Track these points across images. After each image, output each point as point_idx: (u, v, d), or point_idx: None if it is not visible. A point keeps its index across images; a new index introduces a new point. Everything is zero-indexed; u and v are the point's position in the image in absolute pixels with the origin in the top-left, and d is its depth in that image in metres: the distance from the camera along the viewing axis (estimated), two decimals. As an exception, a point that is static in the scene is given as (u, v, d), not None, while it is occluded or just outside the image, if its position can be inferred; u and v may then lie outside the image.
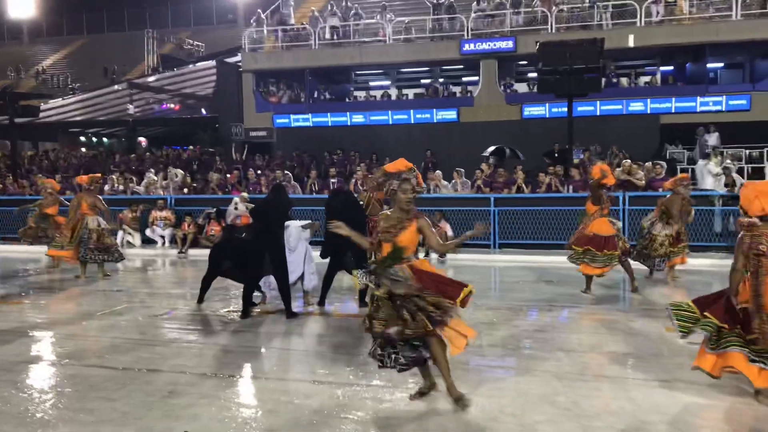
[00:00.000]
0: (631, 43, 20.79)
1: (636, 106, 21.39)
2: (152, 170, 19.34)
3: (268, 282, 8.54)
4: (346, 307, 8.82)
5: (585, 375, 5.70)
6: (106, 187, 17.59)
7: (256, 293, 8.60)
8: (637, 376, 5.70)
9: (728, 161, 15.86)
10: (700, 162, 17.00)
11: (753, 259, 4.93)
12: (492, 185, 15.10)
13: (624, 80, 22.79)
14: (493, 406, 4.98)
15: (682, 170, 18.91)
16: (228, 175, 17.96)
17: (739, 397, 5.07)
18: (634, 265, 9.69)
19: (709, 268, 11.43)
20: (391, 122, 23.53)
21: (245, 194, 14.56)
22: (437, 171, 16.26)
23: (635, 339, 6.98)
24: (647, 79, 23.22)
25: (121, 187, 17.73)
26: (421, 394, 5.11)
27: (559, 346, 6.61)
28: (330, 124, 24.05)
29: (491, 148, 18.96)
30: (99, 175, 12.65)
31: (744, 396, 5.05)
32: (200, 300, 8.94)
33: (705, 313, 5.04)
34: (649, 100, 21.26)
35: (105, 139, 37.27)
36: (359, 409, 4.95)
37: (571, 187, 14.63)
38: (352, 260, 8.43)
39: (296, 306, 8.37)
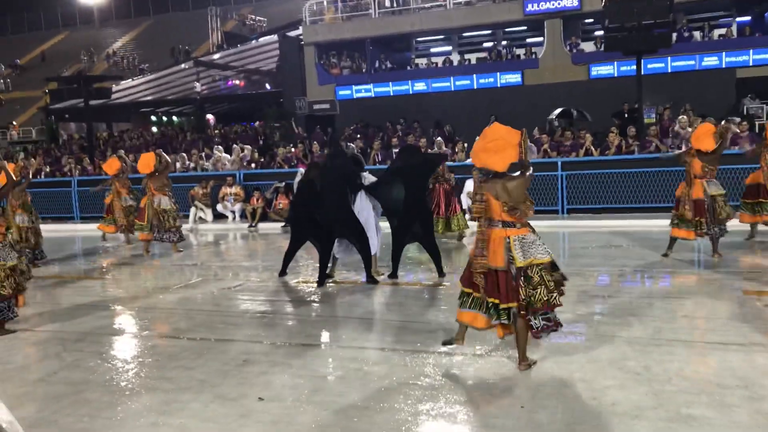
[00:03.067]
0: (703, -6, 19.85)
1: (710, 61, 20.46)
2: (218, 147, 19.68)
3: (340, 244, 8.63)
4: (414, 277, 8.87)
5: (657, 339, 5.59)
6: (178, 165, 18.11)
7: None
8: (712, 339, 5.56)
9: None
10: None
11: None
12: (559, 149, 14.81)
13: (697, 34, 21.81)
14: (563, 371, 4.96)
15: (761, 126, 18.06)
16: (293, 149, 18.19)
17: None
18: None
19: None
20: (453, 89, 23.28)
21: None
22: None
23: (710, 303, 6.79)
24: (722, 31, 22.14)
25: (192, 165, 18.22)
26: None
27: (630, 311, 6.49)
28: (392, 94, 23.98)
29: (557, 111, 18.55)
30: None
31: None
32: (283, 273, 9.05)
33: None
34: (723, 54, 20.29)
35: (174, 118, 38.27)
36: (427, 376, 5.02)
37: (638, 147, 14.18)
38: (418, 233, 8.49)
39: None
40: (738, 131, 13.26)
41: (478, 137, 5.13)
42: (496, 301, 4.85)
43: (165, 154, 12.13)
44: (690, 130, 13.88)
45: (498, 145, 4.87)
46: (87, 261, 11.91)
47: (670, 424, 4.02)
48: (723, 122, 12.91)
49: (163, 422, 4.41)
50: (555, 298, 4.88)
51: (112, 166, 12.84)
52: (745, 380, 4.61)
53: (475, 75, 23.23)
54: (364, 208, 8.46)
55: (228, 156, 18.38)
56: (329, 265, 8.71)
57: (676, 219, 8.92)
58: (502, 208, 4.87)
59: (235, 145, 19.38)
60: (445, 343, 5.43)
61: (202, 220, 15.65)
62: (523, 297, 4.78)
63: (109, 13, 52.17)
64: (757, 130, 16.79)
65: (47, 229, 12.37)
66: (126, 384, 5.19)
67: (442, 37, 26.06)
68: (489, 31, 25.34)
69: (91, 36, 48.99)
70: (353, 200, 8.41)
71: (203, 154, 19.23)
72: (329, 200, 8.23)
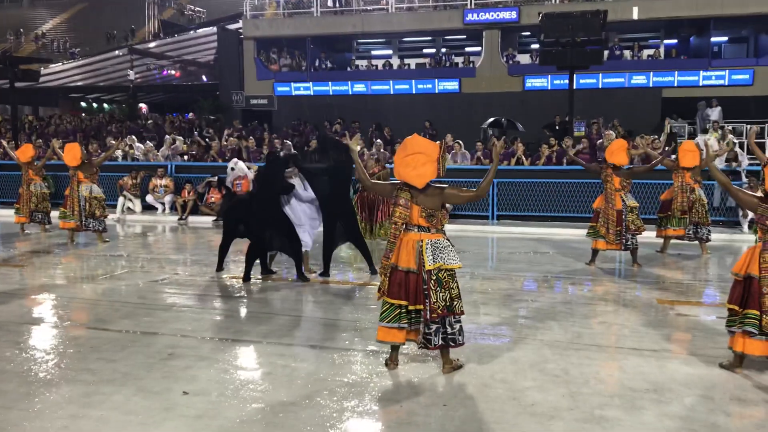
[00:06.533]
0: (635, 16, 20.63)
1: (638, 80, 21.31)
2: (132, 137, 19.15)
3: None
4: (345, 276, 8.93)
5: (576, 344, 5.81)
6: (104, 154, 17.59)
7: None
8: (627, 345, 5.82)
9: (730, 136, 15.81)
10: (701, 136, 17.00)
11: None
12: (492, 157, 15.09)
13: (627, 53, 22.67)
14: (485, 372, 5.10)
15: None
16: (225, 142, 17.94)
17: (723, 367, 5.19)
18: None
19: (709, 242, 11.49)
20: (392, 92, 23.45)
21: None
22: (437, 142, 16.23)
23: (627, 310, 7.10)
24: (650, 52, 23.08)
25: (120, 153, 17.73)
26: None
27: (552, 316, 6.73)
28: (331, 93, 23.97)
29: (489, 120, 18.97)
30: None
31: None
32: (219, 268, 8.89)
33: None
34: (651, 74, 21.18)
35: (105, 105, 37.17)
36: (353, 373, 5.08)
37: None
38: (343, 232, 8.56)
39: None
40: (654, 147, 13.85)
41: (398, 144, 5.20)
42: (404, 303, 4.93)
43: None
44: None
45: (417, 161, 4.87)
46: (5, 248, 11.45)
47: (584, 425, 4.21)
48: (639, 137, 13.54)
49: (82, 414, 4.32)
50: (457, 305, 4.97)
51: (25, 152, 12.44)
52: (655, 384, 4.85)
53: (414, 80, 23.48)
54: (298, 203, 8.45)
55: (141, 146, 18.06)
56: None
57: (593, 231, 9.30)
58: (420, 213, 4.95)
59: (167, 136, 18.98)
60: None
61: (131, 211, 15.28)
62: (434, 300, 4.87)
63: (40, -8, 50.26)
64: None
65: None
66: (45, 375, 5.06)
67: (383, 40, 26.21)
68: (429, 38, 25.64)
69: (18, 15, 47.02)
70: (287, 200, 8.35)
71: (133, 144, 18.73)
72: (262, 207, 8.19)
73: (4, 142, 15.24)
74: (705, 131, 17.35)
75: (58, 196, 13.43)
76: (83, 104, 36.68)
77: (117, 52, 34.84)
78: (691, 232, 10.09)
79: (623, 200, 9.01)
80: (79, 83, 34.13)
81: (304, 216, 8.42)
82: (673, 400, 4.58)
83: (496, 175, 5.20)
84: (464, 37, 24.68)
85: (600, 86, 21.33)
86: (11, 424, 4.19)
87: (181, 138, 18.91)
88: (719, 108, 19.31)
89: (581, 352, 5.59)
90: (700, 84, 20.81)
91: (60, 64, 35.47)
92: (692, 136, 19.40)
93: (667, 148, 12.49)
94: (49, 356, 5.53)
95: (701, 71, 20.80)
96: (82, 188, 11.16)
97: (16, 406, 4.46)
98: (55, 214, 12.25)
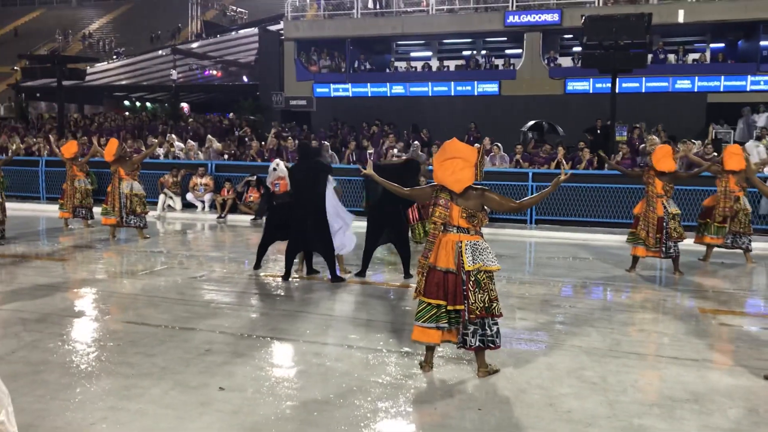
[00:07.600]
0: (680, 19, 20.23)
1: (683, 84, 20.90)
2: (171, 136, 19.51)
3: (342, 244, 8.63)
4: (381, 277, 8.93)
5: (615, 351, 5.71)
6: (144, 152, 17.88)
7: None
8: (668, 354, 5.70)
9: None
10: (751, 142, 16.54)
11: None
12: (532, 160, 14.97)
13: (671, 57, 22.24)
14: (521, 378, 5.04)
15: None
16: (263, 143, 18.10)
17: (770, 379, 5.04)
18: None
19: (754, 252, 11.20)
20: (431, 94, 23.40)
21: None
22: (477, 144, 16.15)
23: (667, 318, 6.96)
24: (696, 56, 22.61)
25: (162, 151, 18.02)
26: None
27: (590, 323, 6.62)
28: (370, 95, 24.02)
29: (530, 123, 18.80)
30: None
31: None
32: (257, 266, 8.96)
33: None
34: (696, 78, 20.75)
35: (148, 104, 37.85)
36: (388, 374, 5.07)
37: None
38: (390, 235, 8.56)
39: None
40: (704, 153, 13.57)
41: (435, 146, 5.16)
42: (443, 303, 4.91)
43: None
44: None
45: (455, 165, 4.86)
46: (50, 242, 11.73)
47: (621, 433, 4.14)
48: (681, 143, 13.26)
49: (121, 406, 4.40)
50: (495, 307, 4.94)
51: (69, 149, 12.75)
52: (696, 395, 4.74)
53: (453, 82, 23.37)
54: (330, 205, 8.48)
55: (181, 145, 18.34)
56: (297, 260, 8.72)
57: (633, 237, 9.15)
58: (461, 214, 4.93)
59: (209, 136, 19.23)
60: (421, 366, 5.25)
61: (171, 208, 15.51)
62: (472, 301, 4.85)
63: (88, -7, 51.43)
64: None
65: (11, 208, 12.25)
66: (85, 367, 5.16)
67: (422, 42, 26.18)
68: (469, 40, 25.52)
69: (66, 15, 48.24)
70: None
71: (173, 143, 19.02)
72: (301, 201, 8.22)
73: (52, 138, 15.64)
74: (751, 137, 16.88)
75: (100, 192, 13.70)
76: (127, 103, 37.44)
77: (160, 52, 35.50)
78: (728, 241, 9.85)
79: (665, 207, 8.84)
80: (123, 82, 34.86)
81: (336, 216, 8.45)
82: (715, 412, 4.47)
83: (536, 178, 5.17)
84: (505, 39, 24.51)
85: (643, 90, 20.98)
86: (53, 413, 4.28)
87: (216, 140, 19.13)
88: (767, 114, 18.81)
89: (620, 360, 5.49)
90: (748, 89, 20.31)
91: (105, 63, 36.26)
92: (740, 143, 18.94)
93: (715, 154, 12.22)
94: (90, 349, 5.64)
95: (749, 76, 20.31)
96: (123, 185, 11.36)
97: (57, 396, 4.56)
98: (97, 210, 12.53)
